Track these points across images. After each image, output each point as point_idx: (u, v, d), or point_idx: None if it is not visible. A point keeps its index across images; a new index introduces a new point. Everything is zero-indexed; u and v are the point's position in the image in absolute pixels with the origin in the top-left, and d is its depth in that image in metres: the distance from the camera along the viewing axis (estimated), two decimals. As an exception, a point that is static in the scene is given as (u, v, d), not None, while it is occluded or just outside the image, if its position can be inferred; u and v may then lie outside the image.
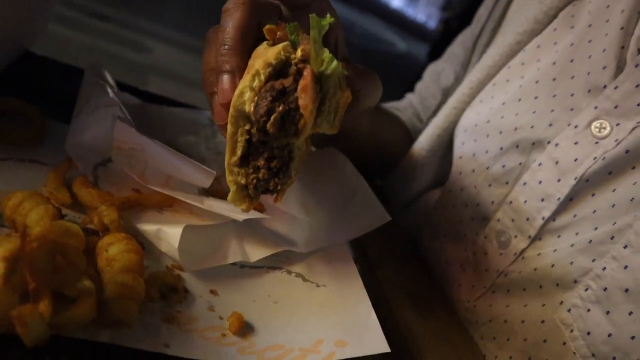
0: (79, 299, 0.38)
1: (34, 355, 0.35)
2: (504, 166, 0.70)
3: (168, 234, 0.48)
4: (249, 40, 0.47)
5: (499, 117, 0.73)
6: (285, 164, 0.46)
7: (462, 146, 0.78)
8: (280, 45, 0.45)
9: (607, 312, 0.56)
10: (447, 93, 0.94)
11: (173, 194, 0.53)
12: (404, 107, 1.03)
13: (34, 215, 0.41)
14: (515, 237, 0.66)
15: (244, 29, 0.47)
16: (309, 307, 0.50)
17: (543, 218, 0.64)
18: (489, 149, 0.73)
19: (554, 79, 0.69)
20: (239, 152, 0.45)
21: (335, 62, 0.44)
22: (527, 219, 0.66)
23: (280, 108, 0.42)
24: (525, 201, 0.66)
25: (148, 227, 0.49)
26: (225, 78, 0.46)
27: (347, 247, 0.60)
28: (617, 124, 0.61)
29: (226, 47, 0.47)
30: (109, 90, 0.58)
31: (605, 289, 0.56)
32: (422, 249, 0.81)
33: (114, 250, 0.43)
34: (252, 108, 0.43)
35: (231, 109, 0.44)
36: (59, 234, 0.37)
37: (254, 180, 0.45)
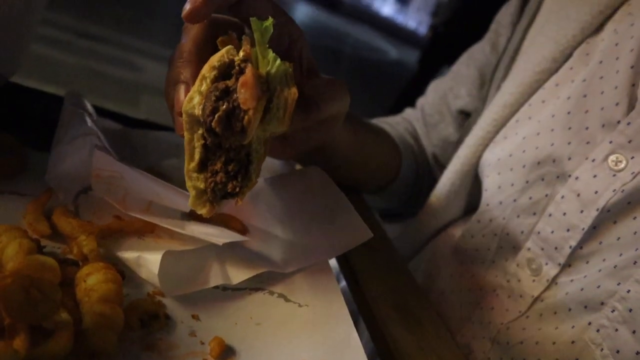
0: (56, 331, 0.38)
1: (12, 390, 0.35)
2: (530, 198, 0.73)
3: (148, 261, 0.48)
4: (205, 52, 0.49)
5: (521, 151, 0.76)
6: (243, 166, 0.47)
7: (487, 179, 0.81)
8: (224, 49, 0.46)
9: (634, 332, 0.59)
10: (455, 115, 0.97)
11: (154, 219, 0.53)
12: (397, 122, 1.04)
13: (10, 251, 0.41)
14: (546, 264, 0.69)
15: (198, 41, 0.50)
16: (291, 327, 0.51)
17: (570, 247, 0.67)
18: (515, 182, 0.76)
19: (568, 113, 0.72)
20: (196, 158, 0.47)
21: (279, 61, 0.46)
22: (556, 248, 0.69)
23: (224, 106, 0.44)
24: (552, 231, 0.69)
25: (128, 255, 0.50)
26: (180, 88, 0.49)
27: (329, 266, 0.61)
28: (632, 157, 0.64)
29: (182, 60, 0.50)
30: (87, 119, 0.58)
31: (630, 310, 0.60)
32: (442, 275, 0.84)
33: (92, 281, 0.43)
34: (200, 111, 0.44)
35: (184, 115, 0.46)
36: (34, 269, 0.37)
37: (212, 184, 0.47)
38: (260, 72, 0.46)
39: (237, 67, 0.45)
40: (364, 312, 0.66)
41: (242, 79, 0.44)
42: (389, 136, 0.95)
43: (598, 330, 0.62)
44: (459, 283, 0.82)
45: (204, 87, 0.45)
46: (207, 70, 0.46)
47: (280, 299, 0.54)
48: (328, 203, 0.62)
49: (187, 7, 0.48)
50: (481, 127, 0.85)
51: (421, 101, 1.06)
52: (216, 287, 0.52)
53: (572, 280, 0.67)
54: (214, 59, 0.46)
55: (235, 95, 0.44)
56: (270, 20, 0.45)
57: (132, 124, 0.74)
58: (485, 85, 0.94)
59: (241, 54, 0.46)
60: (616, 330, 0.61)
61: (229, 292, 0.53)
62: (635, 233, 0.63)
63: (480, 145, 0.84)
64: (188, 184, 0.48)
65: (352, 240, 0.61)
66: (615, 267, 0.63)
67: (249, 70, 0.44)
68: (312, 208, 0.62)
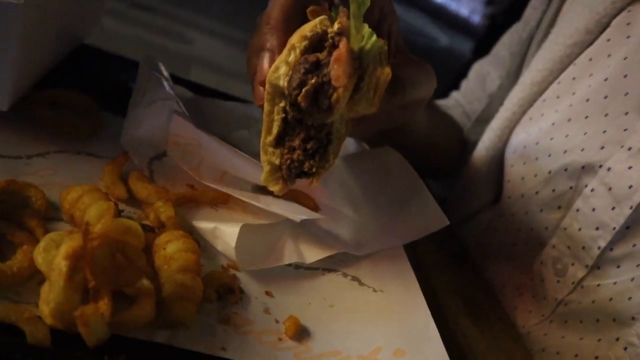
0: (139, 299, 0.37)
1: (94, 354, 0.34)
2: (553, 190, 0.67)
3: (225, 233, 0.47)
4: (293, 21, 0.46)
5: (548, 138, 0.69)
6: (322, 146, 0.44)
7: (511, 169, 0.75)
8: (317, 19, 0.43)
9: None
10: (491, 99, 0.91)
11: (228, 190, 0.52)
12: (453, 105, 1.00)
13: (94, 211, 0.40)
14: (573, 264, 0.63)
15: (288, 9, 0.47)
16: (366, 312, 0.49)
17: (599, 247, 0.61)
18: (538, 173, 0.69)
19: (605, 97, 0.64)
20: (274, 131, 0.43)
21: (374, 37, 0.42)
22: (583, 247, 0.62)
23: (313, 81, 0.40)
24: (580, 229, 0.63)
25: (204, 225, 0.48)
26: (265, 56, 0.45)
27: (403, 251, 0.58)
28: None
29: (269, 26, 0.46)
30: (165, 84, 0.57)
31: None
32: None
33: (172, 249, 0.42)
34: (285, 82, 0.41)
35: (267, 85, 0.43)
36: (120, 232, 0.36)
37: (288, 161, 0.44)
38: (353, 48, 0.42)
39: (330, 40, 0.42)
40: (431, 303, 0.63)
41: (335, 53, 0.40)
42: (455, 122, 0.92)
43: (626, 349, 0.56)
44: (482, 277, 0.77)
45: (292, 58, 0.42)
46: (298, 40, 0.42)
47: (354, 282, 0.52)
48: (403, 185, 0.59)
49: None
50: (506, 108, 0.77)
51: (464, 85, 1.01)
52: (289, 265, 0.50)
53: (599, 285, 0.61)
54: (306, 29, 0.43)
55: (326, 69, 0.40)
56: None
57: (203, 92, 0.73)
58: (516, 63, 0.87)
59: (336, 26, 0.42)
60: None
61: (302, 271, 0.51)
62: None
63: (507, 127, 0.76)
64: (263, 158, 0.45)
65: (427, 226, 0.58)
66: None
67: (343, 44, 0.40)
68: (386, 189, 0.59)
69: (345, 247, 0.54)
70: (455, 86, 1.07)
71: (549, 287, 0.66)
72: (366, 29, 0.42)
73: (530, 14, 0.88)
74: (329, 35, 0.42)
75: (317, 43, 0.42)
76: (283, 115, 0.43)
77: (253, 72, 0.48)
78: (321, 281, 0.51)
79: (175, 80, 0.70)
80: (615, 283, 0.59)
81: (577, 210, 0.64)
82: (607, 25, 0.68)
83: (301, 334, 0.44)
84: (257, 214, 0.53)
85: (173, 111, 0.52)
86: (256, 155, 0.63)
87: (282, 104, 0.43)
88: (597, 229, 0.61)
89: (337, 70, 0.40)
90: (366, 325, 0.47)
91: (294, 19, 0.47)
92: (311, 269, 0.51)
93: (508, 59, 0.90)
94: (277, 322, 0.44)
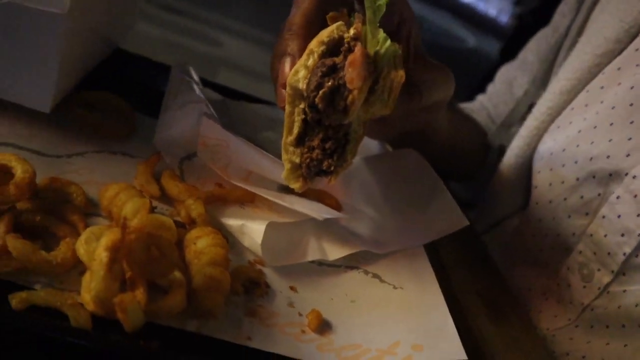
0: (171, 289, 0.39)
1: (130, 339, 0.37)
2: (582, 197, 0.68)
3: (252, 230, 0.49)
4: (314, 27, 0.49)
5: (575, 145, 0.70)
6: (340, 146, 0.46)
7: (538, 175, 0.76)
8: (334, 25, 0.45)
9: None
10: (518, 104, 0.92)
11: (254, 189, 0.54)
12: (478, 108, 1.01)
13: (130, 207, 0.43)
14: (599, 270, 0.64)
15: (309, 15, 0.49)
16: (386, 308, 0.50)
17: (624, 254, 0.62)
18: (565, 179, 0.70)
19: (631, 104, 0.65)
20: (295, 131, 0.46)
21: (389, 42, 0.44)
22: (609, 253, 0.63)
23: (330, 83, 0.43)
24: (606, 235, 0.64)
25: (232, 222, 0.51)
26: (286, 60, 0.48)
27: (423, 251, 0.60)
28: None
29: (290, 32, 0.49)
30: (195, 87, 0.60)
31: None
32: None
33: (202, 244, 0.44)
34: (304, 85, 0.44)
35: (287, 88, 0.45)
36: (155, 227, 0.39)
37: (308, 160, 0.46)
38: (369, 52, 0.44)
39: (346, 45, 0.44)
40: (450, 302, 0.65)
41: (350, 57, 0.43)
42: (478, 124, 0.93)
43: None
44: (508, 282, 0.78)
45: (310, 62, 0.45)
46: (316, 45, 0.45)
47: (375, 279, 0.53)
48: (424, 186, 0.61)
49: None
50: (535, 117, 0.78)
51: (490, 88, 1.01)
52: (312, 262, 0.53)
53: (625, 291, 0.62)
54: (324, 34, 0.45)
55: (341, 73, 0.43)
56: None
57: (230, 95, 0.75)
58: (544, 70, 0.87)
59: (352, 31, 0.45)
60: None
61: (325, 268, 0.53)
62: None
63: (535, 135, 0.78)
64: (284, 156, 0.48)
65: (447, 227, 0.59)
66: None
67: (358, 48, 0.43)
68: (407, 190, 0.61)
69: (366, 245, 0.56)
70: (482, 88, 1.08)
71: (575, 292, 0.67)
72: (381, 34, 0.45)
73: (559, 20, 0.88)
74: (345, 40, 0.45)
75: (334, 47, 0.45)
76: (303, 116, 0.46)
77: (275, 75, 0.50)
78: (343, 278, 0.52)
79: (204, 83, 0.73)
80: None
81: (603, 216, 0.64)
82: (636, 34, 0.69)
83: (323, 327, 0.46)
84: (282, 212, 0.55)
85: (203, 114, 0.54)
86: (281, 156, 0.66)
87: (301, 106, 0.46)
88: (622, 235, 0.62)
89: (351, 74, 0.42)
90: (386, 320, 0.49)
91: (315, 25, 0.49)
92: (334, 266, 0.53)
93: (536, 64, 0.90)
94: (300, 315, 0.46)
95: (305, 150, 0.47)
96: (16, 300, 0.35)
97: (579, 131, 0.70)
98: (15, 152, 0.49)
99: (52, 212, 0.44)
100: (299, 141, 0.47)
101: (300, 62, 0.45)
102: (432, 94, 0.54)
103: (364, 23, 0.46)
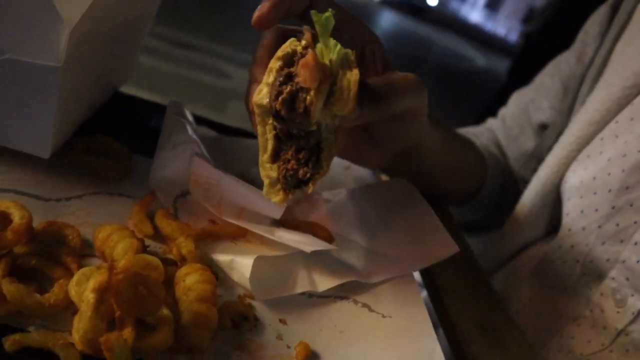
0: (158, 326, 0.41)
1: (119, 377, 0.38)
2: (617, 225, 0.69)
3: (240, 264, 0.51)
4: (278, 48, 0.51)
5: (606, 174, 0.72)
6: (314, 154, 0.49)
7: (568, 202, 0.77)
8: (287, 42, 0.48)
9: None
10: (543, 129, 0.93)
11: (246, 225, 0.56)
12: (480, 132, 1.02)
13: (120, 249, 0.45)
14: (632, 295, 0.66)
15: (270, 47, 0.53)
16: (374, 337, 0.51)
17: None
18: (599, 207, 0.71)
19: None
20: (269, 148, 0.49)
21: (339, 46, 0.47)
22: None
23: (288, 89, 0.45)
24: (638, 261, 0.65)
25: (222, 258, 0.53)
26: (252, 86, 0.52)
27: (413, 277, 0.61)
28: None
29: (255, 64, 0.53)
30: (188, 127, 0.62)
31: None
32: (519, 297, 0.81)
33: (190, 280, 0.46)
34: (267, 99, 0.47)
35: (255, 108, 0.48)
36: (142, 267, 0.41)
37: (284, 171, 0.48)
38: (324, 62, 0.46)
39: (299, 55, 0.47)
40: (445, 328, 0.65)
41: (302, 60, 0.45)
42: (474, 145, 0.94)
43: None
44: (538, 308, 0.78)
45: (271, 79, 0.47)
46: (273, 62, 0.48)
47: (364, 308, 0.55)
48: (414, 215, 0.62)
49: (256, 13, 0.52)
50: (563, 146, 0.80)
51: (503, 112, 1.03)
52: (302, 294, 0.54)
53: None
54: (278, 52, 0.48)
55: (297, 79, 0.46)
56: (330, 11, 0.47)
57: (226, 131, 0.78)
58: (569, 98, 0.89)
59: (303, 42, 0.47)
60: None
61: (315, 299, 0.54)
62: None
63: (563, 164, 0.80)
64: (262, 174, 0.50)
65: (437, 254, 0.60)
66: None
67: (309, 53, 0.46)
68: (397, 219, 0.62)
69: (356, 275, 0.57)
70: (493, 107, 1.09)
71: (609, 318, 0.68)
72: (332, 42, 0.47)
73: (581, 49, 0.91)
74: (298, 52, 0.47)
75: (290, 61, 0.47)
76: (274, 132, 0.48)
77: (247, 102, 0.54)
78: (333, 308, 0.54)
79: (200, 121, 0.75)
80: None
81: (636, 243, 0.66)
82: None
83: (311, 358, 0.47)
84: (273, 246, 0.57)
85: (194, 153, 0.57)
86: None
87: (270, 121, 0.48)
88: None
89: (304, 75, 0.45)
90: (374, 349, 0.50)
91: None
92: (323, 297, 0.54)
93: (557, 90, 0.92)
94: (288, 347, 0.48)
95: (281, 163, 0.49)
96: (9, 342, 0.37)
97: (609, 159, 0.72)
98: (15, 198, 0.52)
99: (48, 254, 0.46)
100: (275, 157, 0.50)
101: (262, 82, 0.48)
102: (399, 99, 0.55)
103: (315, 37, 0.48)
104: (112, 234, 0.47)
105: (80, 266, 0.45)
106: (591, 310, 0.70)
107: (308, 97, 0.45)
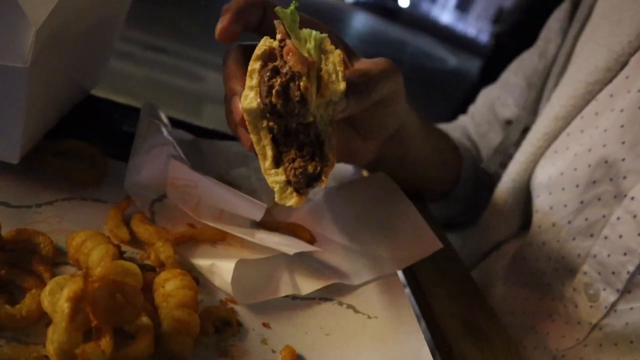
0: (138, 335, 0.39)
1: (97, 390, 0.36)
2: (586, 219, 0.70)
3: (221, 269, 0.50)
4: (245, 62, 0.50)
5: (573, 169, 0.72)
6: (317, 148, 0.47)
7: (537, 199, 0.78)
8: (261, 41, 0.47)
9: None
10: (508, 125, 0.94)
11: (226, 228, 0.54)
12: (453, 128, 1.02)
13: (96, 255, 0.43)
14: (604, 289, 0.66)
15: (238, 59, 0.52)
16: (360, 339, 0.50)
17: (628, 272, 0.64)
18: (568, 203, 0.72)
19: (622, 126, 0.68)
20: (269, 154, 0.47)
21: (313, 32, 0.46)
22: (613, 272, 0.65)
23: (279, 81, 0.44)
24: (609, 255, 0.66)
25: (202, 262, 0.51)
26: (235, 99, 0.49)
27: (397, 277, 0.60)
28: None
29: (230, 79, 0.51)
30: (163, 129, 0.60)
31: None
32: (493, 294, 0.81)
33: (170, 287, 0.44)
34: (257, 101, 0.45)
35: (245, 115, 0.46)
36: (119, 274, 0.39)
37: (292, 171, 0.46)
38: (303, 54, 0.45)
39: (278, 48, 0.46)
40: (430, 325, 0.65)
41: (285, 48, 0.44)
42: (449, 136, 0.94)
43: None
44: (512, 305, 0.78)
45: (254, 81, 0.46)
46: (252, 64, 0.46)
47: (349, 309, 0.54)
48: (396, 212, 0.62)
49: (218, 26, 0.51)
50: (532, 143, 0.81)
51: (472, 109, 1.03)
52: (286, 296, 0.53)
53: (632, 309, 0.63)
54: (255, 52, 0.47)
55: (284, 69, 0.44)
56: (294, 3, 0.46)
57: (202, 134, 0.76)
58: (533, 94, 0.90)
59: (278, 36, 0.46)
60: None
61: (298, 302, 0.53)
62: None
63: (532, 161, 0.80)
64: (269, 181, 0.47)
65: (421, 251, 0.60)
66: None
67: (289, 42, 0.45)
68: (379, 217, 0.62)
69: (340, 277, 0.56)
70: (464, 107, 1.10)
71: (583, 312, 0.68)
72: (303, 32, 0.46)
73: (544, 45, 0.91)
74: (276, 45, 0.46)
75: (269, 57, 0.46)
76: (270, 135, 0.46)
77: (231, 120, 0.51)
78: (317, 310, 0.53)
79: (176, 124, 0.73)
80: None
81: (605, 237, 0.67)
82: (626, 63, 0.72)
83: (297, 362, 0.46)
84: (254, 249, 0.55)
85: (170, 155, 0.55)
86: (254, 191, 0.66)
87: (264, 125, 0.46)
88: (625, 254, 0.64)
89: (292, 59, 0.44)
90: (361, 351, 0.49)
91: (246, 61, 0.50)
92: (307, 299, 0.53)
93: (522, 87, 0.93)
94: (273, 352, 0.46)
95: (287, 164, 0.47)
96: (-21, 357, 0.35)
97: (575, 154, 0.73)
98: (-17, 206, 0.49)
99: (18, 263, 0.44)
100: (277, 162, 0.47)
101: (246, 88, 0.46)
102: (379, 85, 0.54)
103: (286, 32, 0.47)
104: (87, 240, 0.46)
105: (53, 275, 0.43)
106: (565, 306, 0.71)
107: (302, 83, 0.43)
